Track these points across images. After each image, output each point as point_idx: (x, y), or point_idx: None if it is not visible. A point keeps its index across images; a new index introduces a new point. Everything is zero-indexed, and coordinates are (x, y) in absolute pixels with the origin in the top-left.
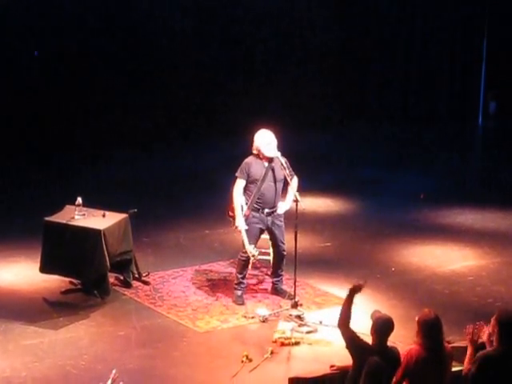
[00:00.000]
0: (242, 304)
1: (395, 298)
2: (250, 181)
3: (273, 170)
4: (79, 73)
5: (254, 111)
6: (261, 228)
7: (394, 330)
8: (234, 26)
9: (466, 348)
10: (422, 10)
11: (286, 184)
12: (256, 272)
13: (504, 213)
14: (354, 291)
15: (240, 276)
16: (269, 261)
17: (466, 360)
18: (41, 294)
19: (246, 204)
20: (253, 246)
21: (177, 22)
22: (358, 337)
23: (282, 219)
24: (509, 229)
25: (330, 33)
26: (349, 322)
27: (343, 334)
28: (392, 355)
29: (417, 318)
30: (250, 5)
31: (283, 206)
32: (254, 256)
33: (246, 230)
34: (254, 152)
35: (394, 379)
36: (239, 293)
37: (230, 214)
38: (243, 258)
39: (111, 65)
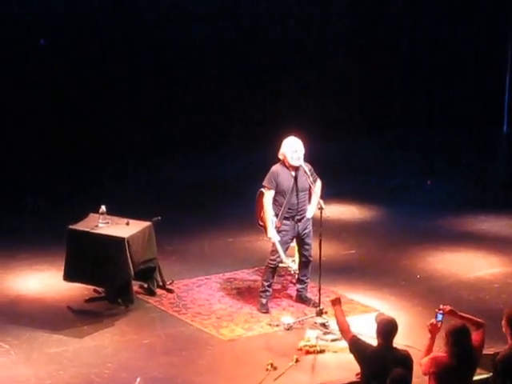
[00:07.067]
0: (267, 312)
1: (420, 305)
2: (277, 191)
3: (298, 180)
4: (101, 72)
5: (281, 120)
6: (292, 235)
7: (420, 338)
8: (259, 33)
9: (491, 355)
10: (446, 15)
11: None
12: (281, 279)
13: None
14: (334, 304)
15: (266, 284)
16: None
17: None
18: (65, 303)
19: (276, 215)
20: (291, 259)
21: (199, 29)
22: (359, 338)
23: (311, 224)
24: None
25: (353, 41)
26: (348, 327)
27: (346, 339)
28: (400, 355)
29: (444, 332)
30: (272, 11)
31: (310, 210)
32: (293, 270)
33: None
34: (280, 157)
35: None
36: (264, 301)
37: (260, 223)
38: (272, 266)
39: (138, 70)
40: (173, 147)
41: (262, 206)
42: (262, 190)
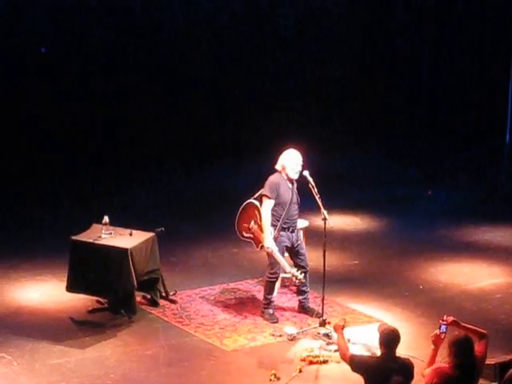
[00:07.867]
0: (277, 322)
1: (423, 316)
2: (277, 202)
3: (295, 192)
4: (104, 79)
5: (283, 131)
6: (286, 246)
7: (423, 349)
8: (261, 45)
9: (493, 365)
10: (448, 26)
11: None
12: (284, 290)
13: None
14: (337, 329)
15: (270, 297)
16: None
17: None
18: (67, 313)
19: (273, 226)
20: (296, 268)
21: (205, 40)
22: (357, 355)
23: (301, 235)
24: None
25: (357, 50)
26: (347, 350)
27: (346, 361)
28: (403, 364)
29: (448, 343)
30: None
31: (302, 224)
32: (299, 279)
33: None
34: (278, 168)
35: None
36: (271, 311)
37: (245, 235)
38: (272, 280)
39: (140, 78)
40: (176, 157)
41: (249, 217)
42: (252, 200)
